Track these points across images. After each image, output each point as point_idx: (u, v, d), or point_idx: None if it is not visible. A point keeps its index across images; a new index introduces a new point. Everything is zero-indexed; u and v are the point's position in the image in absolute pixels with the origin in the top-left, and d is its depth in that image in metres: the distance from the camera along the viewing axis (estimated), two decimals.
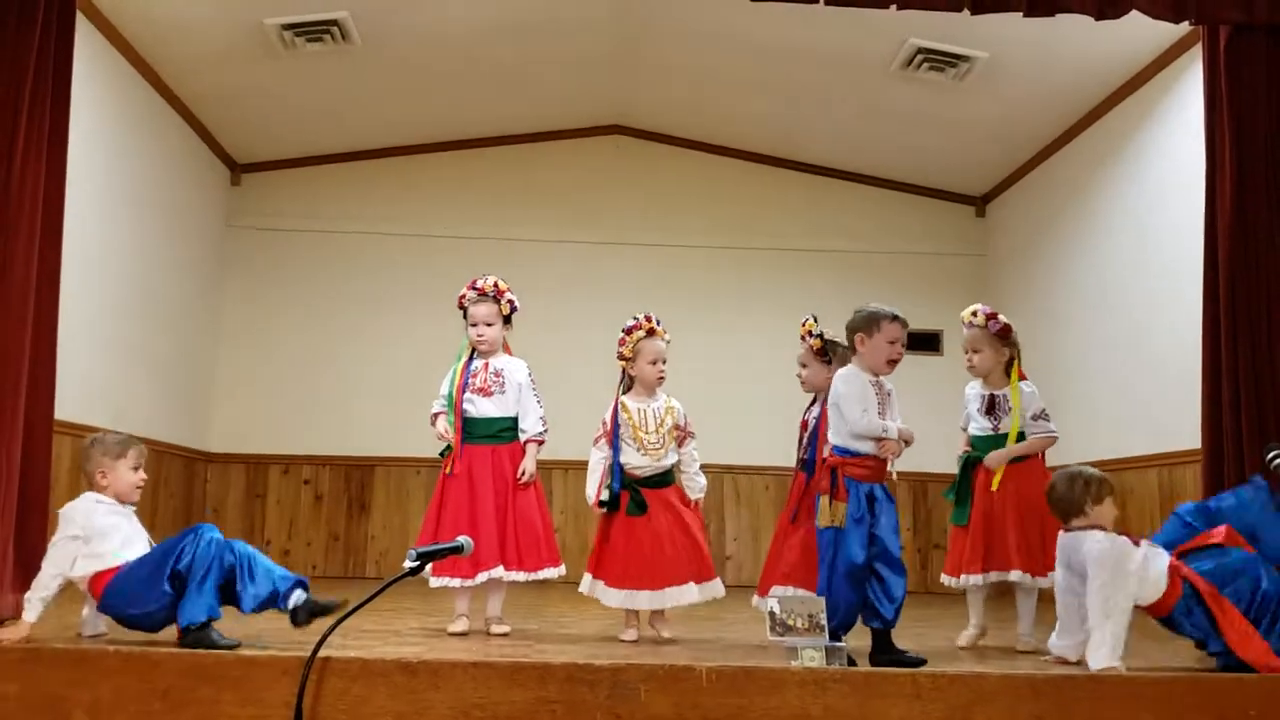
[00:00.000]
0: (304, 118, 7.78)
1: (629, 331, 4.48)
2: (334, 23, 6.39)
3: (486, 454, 4.48)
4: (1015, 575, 4.31)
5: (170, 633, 3.68)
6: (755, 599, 4.49)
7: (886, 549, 3.81)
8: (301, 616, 3.57)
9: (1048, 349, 7.18)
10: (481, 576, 4.31)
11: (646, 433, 4.41)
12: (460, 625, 4.33)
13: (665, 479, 4.44)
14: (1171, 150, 6.06)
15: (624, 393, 4.52)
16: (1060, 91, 6.75)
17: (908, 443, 3.88)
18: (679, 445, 4.49)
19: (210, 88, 7.09)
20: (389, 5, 6.33)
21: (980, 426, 4.56)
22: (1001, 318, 4.56)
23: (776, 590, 4.18)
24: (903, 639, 3.90)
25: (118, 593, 3.64)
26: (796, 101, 7.57)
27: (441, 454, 4.55)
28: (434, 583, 4.32)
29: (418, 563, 3.25)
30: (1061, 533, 3.85)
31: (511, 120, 8.29)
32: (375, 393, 8.01)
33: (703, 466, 4.58)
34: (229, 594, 3.62)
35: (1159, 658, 3.87)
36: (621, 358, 4.51)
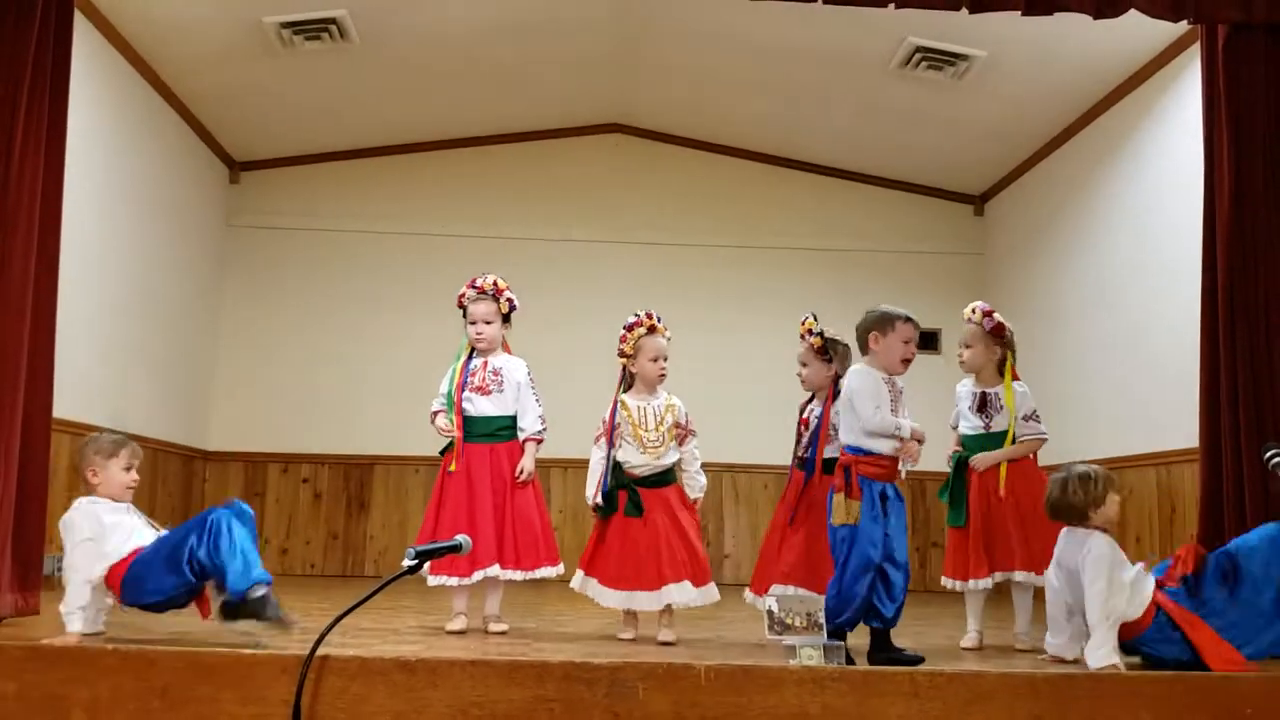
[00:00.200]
0: (303, 116, 7.78)
1: (630, 328, 4.46)
2: (332, 21, 6.39)
3: (485, 453, 4.47)
4: (1020, 575, 4.30)
5: (169, 631, 3.69)
6: (749, 595, 4.50)
7: (894, 549, 3.81)
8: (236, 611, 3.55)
9: (1046, 348, 7.18)
10: (478, 575, 4.31)
11: (646, 430, 4.40)
12: (458, 624, 4.33)
13: (665, 478, 4.42)
14: (1170, 149, 6.06)
15: (624, 391, 4.51)
16: (1059, 90, 6.75)
17: (920, 441, 3.89)
18: (680, 443, 4.47)
19: (209, 86, 7.09)
20: (388, 4, 6.33)
21: (971, 425, 4.56)
22: (997, 316, 4.57)
23: (776, 589, 4.17)
24: (901, 637, 3.90)
25: (137, 582, 3.67)
26: (796, 100, 7.57)
27: (442, 452, 4.55)
28: (431, 581, 4.32)
29: (416, 561, 3.25)
30: (1063, 530, 3.84)
31: (511, 119, 8.29)
32: (374, 391, 8.01)
33: (702, 465, 4.57)
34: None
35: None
36: (622, 355, 4.49)
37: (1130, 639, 3.68)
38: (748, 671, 3.05)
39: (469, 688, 3.01)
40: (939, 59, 6.54)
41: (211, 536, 3.60)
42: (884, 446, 3.84)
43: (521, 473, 4.45)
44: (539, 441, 4.54)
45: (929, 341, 8.09)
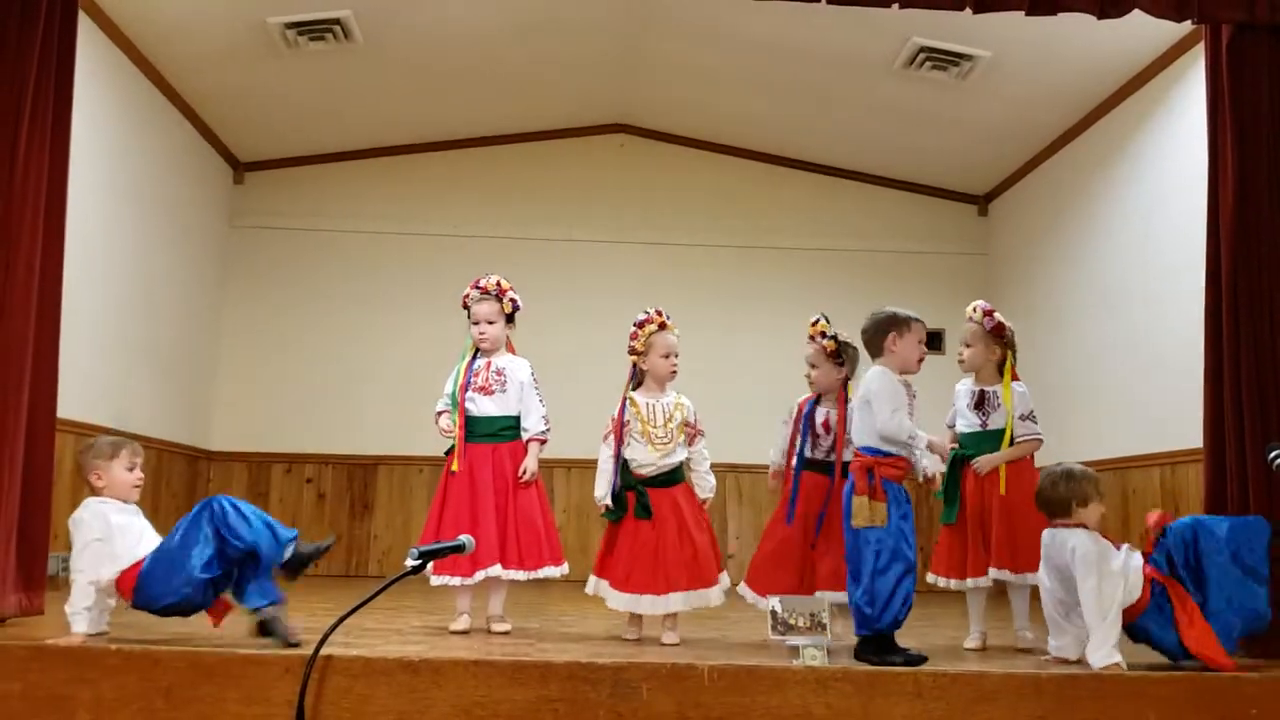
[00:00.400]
0: (307, 116, 7.79)
1: (641, 325, 4.44)
2: (336, 21, 6.39)
3: (487, 453, 4.48)
4: (1004, 574, 4.30)
5: (172, 631, 3.69)
6: (750, 594, 4.46)
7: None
8: (294, 568, 3.67)
9: (1049, 348, 7.17)
10: (479, 575, 4.31)
11: (655, 427, 4.38)
12: (462, 623, 4.33)
13: (673, 477, 4.39)
14: (1173, 150, 6.06)
15: (634, 388, 4.50)
16: (1062, 91, 6.74)
17: (943, 457, 3.88)
18: (689, 443, 4.45)
19: (213, 86, 7.09)
20: (392, 4, 6.33)
21: (968, 422, 4.56)
22: (997, 315, 4.57)
23: (820, 594, 4.17)
24: (904, 637, 3.89)
25: (150, 587, 3.66)
26: (800, 100, 7.57)
27: (447, 452, 4.55)
28: (434, 581, 4.32)
29: (419, 561, 3.25)
30: (1045, 531, 3.87)
31: (516, 119, 8.29)
32: (378, 391, 8.02)
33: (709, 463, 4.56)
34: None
35: (1158, 656, 3.86)
36: (633, 352, 4.46)
37: (1132, 621, 3.68)
38: (751, 672, 3.05)
39: (473, 688, 3.01)
40: (943, 59, 6.54)
41: (227, 526, 3.61)
42: (898, 449, 3.83)
43: (524, 473, 4.45)
44: (543, 442, 4.55)
45: (933, 342, 8.01)
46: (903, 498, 3.79)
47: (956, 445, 4.58)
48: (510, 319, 4.63)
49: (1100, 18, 4.59)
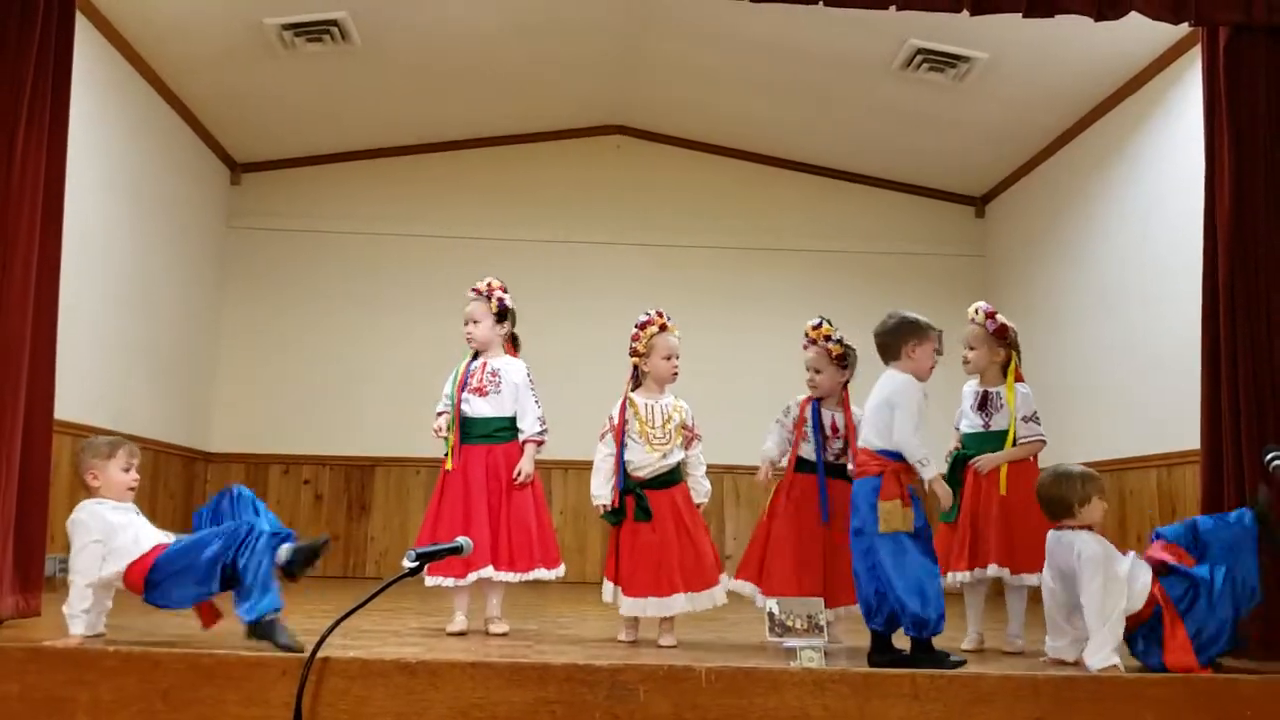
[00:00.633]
0: (304, 118, 7.79)
1: (642, 326, 4.43)
2: (334, 23, 6.39)
3: (482, 454, 4.48)
4: (992, 570, 4.30)
5: (171, 633, 3.69)
6: (756, 596, 4.43)
7: None
8: (296, 568, 3.64)
9: (1047, 349, 7.18)
10: (471, 576, 4.31)
11: (653, 428, 4.37)
12: (458, 625, 4.33)
13: (671, 478, 4.38)
14: (1171, 151, 6.07)
15: (633, 389, 4.49)
16: (1060, 92, 6.75)
17: (942, 502, 3.89)
18: (686, 447, 4.44)
19: (210, 88, 7.09)
20: (389, 5, 6.33)
21: (971, 423, 4.57)
22: (1000, 317, 4.56)
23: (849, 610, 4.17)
24: (904, 638, 3.90)
25: (166, 583, 3.66)
26: (797, 102, 7.57)
27: (447, 453, 4.56)
28: (428, 581, 4.31)
29: (417, 563, 3.25)
30: (1050, 532, 3.86)
31: (513, 120, 8.29)
32: (376, 393, 8.02)
33: (706, 466, 4.54)
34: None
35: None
36: (635, 353, 4.45)
37: (1133, 631, 3.68)
38: (749, 673, 3.05)
39: (470, 689, 3.01)
40: (940, 61, 6.55)
41: (249, 552, 3.61)
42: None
43: (519, 474, 4.45)
44: (539, 444, 4.54)
45: None
46: (917, 499, 3.80)
47: (960, 446, 4.58)
48: (500, 319, 4.63)
49: (1097, 20, 4.60)
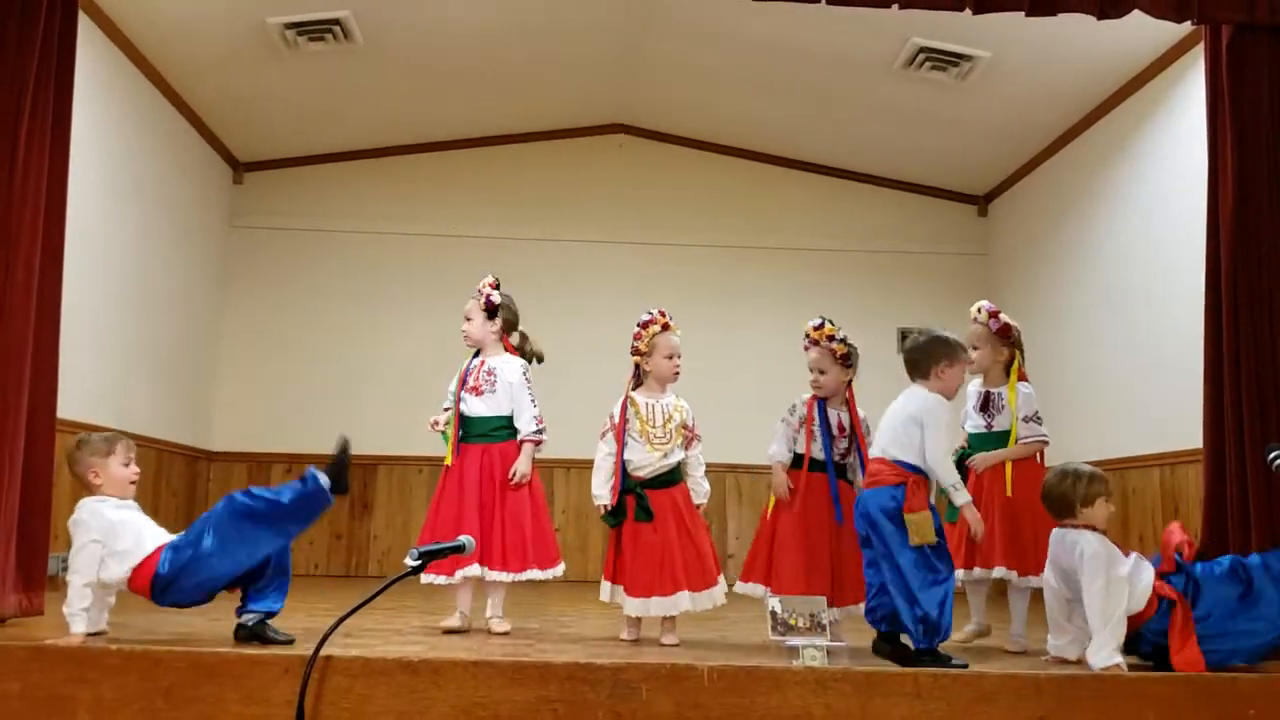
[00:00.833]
0: (306, 117, 7.79)
1: (645, 325, 4.42)
2: (336, 22, 6.39)
3: (478, 453, 4.48)
4: (999, 572, 4.29)
5: (172, 632, 3.69)
6: (763, 592, 4.39)
7: None
8: (342, 480, 3.88)
9: (1049, 348, 7.17)
10: (458, 574, 4.30)
11: (654, 427, 4.37)
12: (450, 621, 4.34)
13: (671, 478, 4.37)
14: (1173, 150, 6.06)
15: (634, 388, 4.48)
16: (1062, 91, 6.75)
17: (974, 531, 3.87)
18: (686, 447, 4.43)
19: (213, 87, 7.10)
20: (391, 5, 6.33)
21: (974, 423, 4.56)
22: (1003, 317, 4.55)
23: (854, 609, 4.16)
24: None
25: (178, 586, 3.67)
26: (799, 101, 7.57)
27: (447, 450, 4.56)
28: (422, 579, 4.29)
29: (419, 562, 3.25)
30: (1053, 530, 3.86)
31: (515, 119, 8.29)
32: (378, 391, 8.02)
33: (705, 466, 4.51)
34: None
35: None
36: (636, 352, 4.45)
37: (1135, 629, 3.67)
38: (751, 672, 3.05)
39: (472, 688, 3.01)
40: (942, 59, 6.54)
41: (259, 497, 3.75)
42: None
43: (514, 475, 4.44)
44: (536, 443, 4.52)
45: None
46: (932, 506, 3.79)
47: (964, 445, 4.58)
48: (490, 316, 4.62)
49: (1100, 18, 4.60)
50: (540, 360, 4.74)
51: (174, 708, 3.00)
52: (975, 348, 4.57)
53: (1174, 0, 4.56)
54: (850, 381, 4.52)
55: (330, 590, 6.18)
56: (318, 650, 2.97)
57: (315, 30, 6.45)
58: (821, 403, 4.47)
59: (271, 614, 3.72)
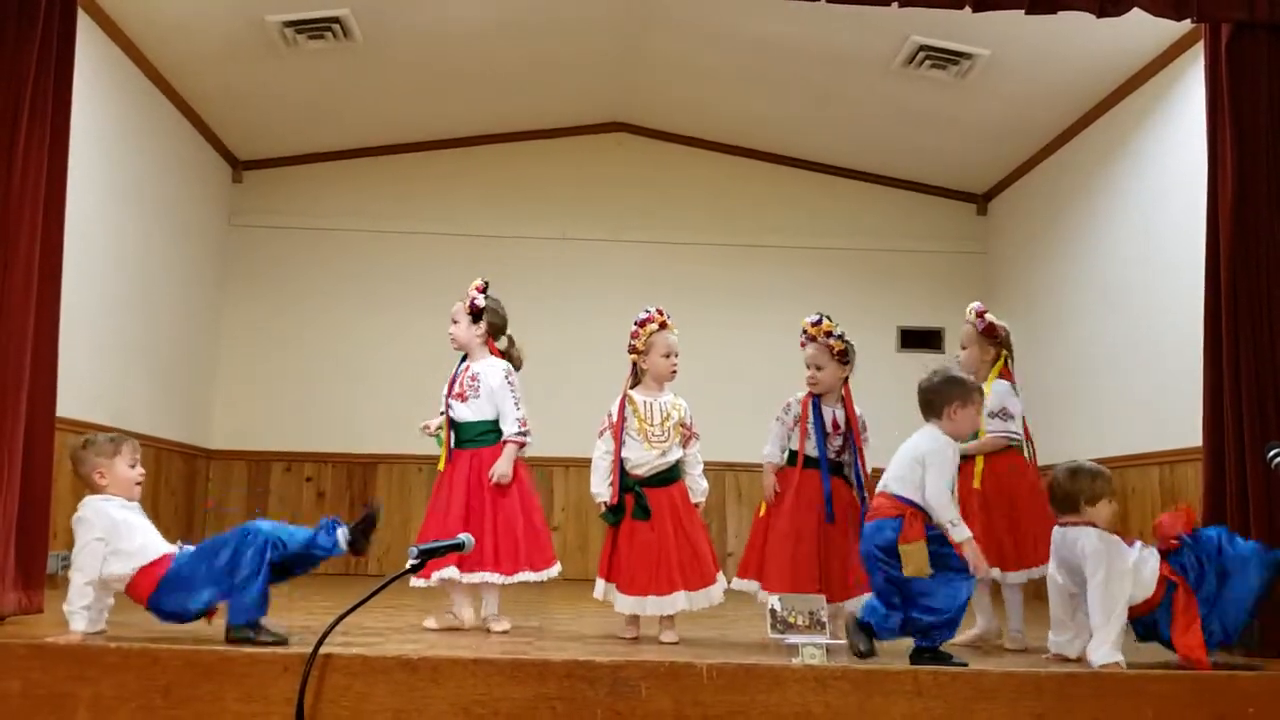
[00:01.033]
0: (306, 115, 7.78)
1: (642, 324, 4.43)
2: (336, 20, 6.39)
3: (467, 458, 4.49)
4: (994, 573, 4.28)
5: (172, 630, 3.69)
6: (755, 588, 4.41)
7: None
8: (360, 544, 3.72)
9: (1049, 346, 7.17)
10: (435, 576, 4.29)
11: (651, 426, 4.37)
12: (430, 621, 4.35)
13: (669, 476, 4.38)
14: (1173, 148, 6.06)
15: (631, 387, 4.48)
16: (1062, 89, 6.74)
17: (975, 566, 3.85)
18: (684, 445, 4.43)
19: (212, 85, 7.09)
20: (391, 3, 6.33)
21: None
22: (989, 317, 4.57)
23: (852, 604, 4.16)
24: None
25: (172, 595, 3.67)
26: (798, 99, 7.56)
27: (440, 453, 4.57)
28: (413, 581, 4.29)
29: (419, 561, 3.26)
30: (1055, 528, 3.87)
31: (514, 117, 8.29)
32: (378, 390, 8.01)
33: (704, 464, 4.51)
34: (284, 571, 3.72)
35: (1158, 654, 3.87)
36: (634, 351, 4.45)
37: (1142, 616, 3.68)
38: (750, 670, 3.06)
39: (471, 686, 3.01)
40: (942, 58, 6.54)
41: (276, 538, 3.66)
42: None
43: (493, 476, 4.41)
44: (519, 445, 4.50)
45: (932, 340, 8.11)
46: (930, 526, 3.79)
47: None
48: (475, 319, 4.60)
49: (1100, 16, 4.59)
50: (518, 368, 4.70)
51: (173, 706, 3.00)
52: (964, 347, 4.61)
53: None
54: (847, 379, 4.53)
55: (329, 588, 6.17)
56: (317, 648, 2.97)
57: (315, 28, 6.45)
58: (816, 400, 4.48)
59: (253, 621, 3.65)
